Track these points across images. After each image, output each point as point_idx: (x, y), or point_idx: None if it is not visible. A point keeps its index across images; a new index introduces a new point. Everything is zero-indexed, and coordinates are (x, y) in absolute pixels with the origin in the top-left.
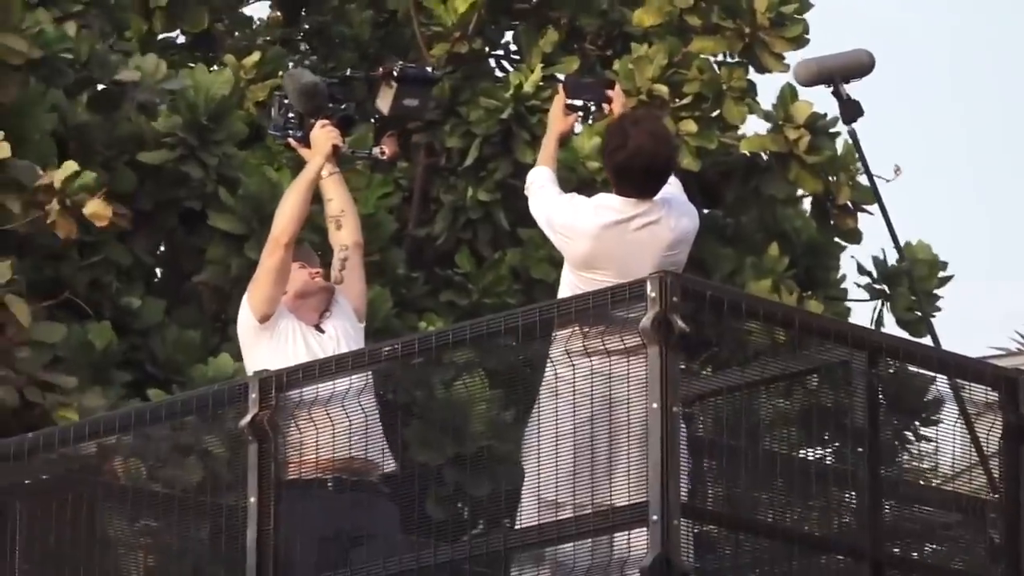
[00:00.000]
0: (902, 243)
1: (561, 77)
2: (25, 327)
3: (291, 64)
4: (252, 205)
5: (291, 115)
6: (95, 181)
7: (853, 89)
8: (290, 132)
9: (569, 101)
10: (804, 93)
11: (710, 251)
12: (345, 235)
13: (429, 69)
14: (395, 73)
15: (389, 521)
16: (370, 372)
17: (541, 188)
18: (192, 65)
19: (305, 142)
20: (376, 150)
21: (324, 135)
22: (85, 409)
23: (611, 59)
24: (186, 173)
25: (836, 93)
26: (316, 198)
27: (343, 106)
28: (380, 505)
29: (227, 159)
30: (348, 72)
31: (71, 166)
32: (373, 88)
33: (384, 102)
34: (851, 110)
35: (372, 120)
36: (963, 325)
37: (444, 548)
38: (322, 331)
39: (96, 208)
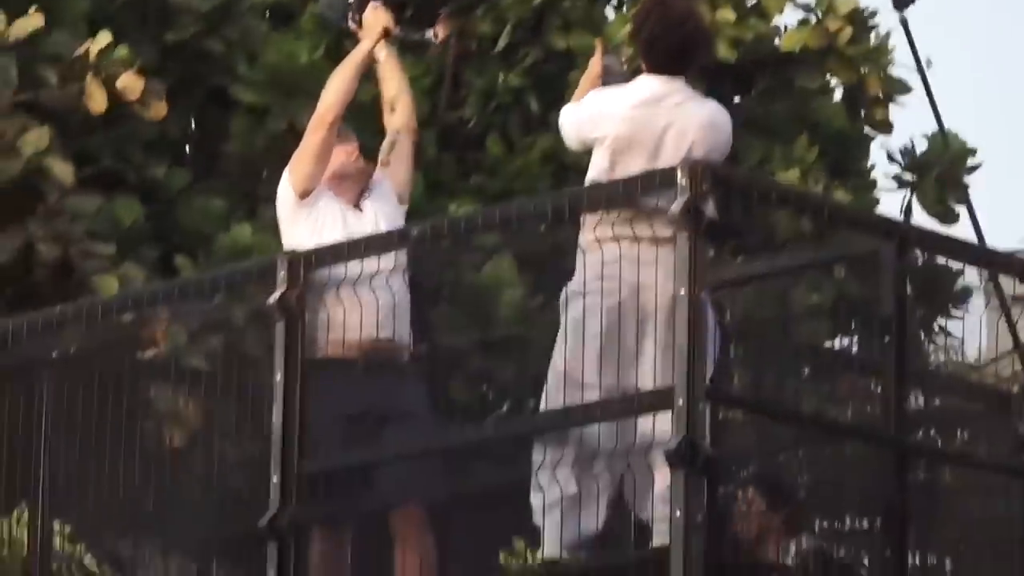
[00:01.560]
0: (931, 133)
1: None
2: (68, 186)
3: None
4: (272, 77)
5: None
6: (129, 54)
7: None
8: (348, 16)
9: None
10: None
11: (740, 140)
12: (397, 119)
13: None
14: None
15: (416, 401)
16: (400, 254)
17: (565, 109)
18: None
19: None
20: (430, 32)
21: (375, 17)
22: (124, 278)
23: None
24: (207, 48)
25: None
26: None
27: None
28: (408, 385)
29: (249, 33)
30: None
31: (105, 38)
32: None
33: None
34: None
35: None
36: (996, 217)
37: (469, 428)
38: (361, 211)
39: (129, 81)
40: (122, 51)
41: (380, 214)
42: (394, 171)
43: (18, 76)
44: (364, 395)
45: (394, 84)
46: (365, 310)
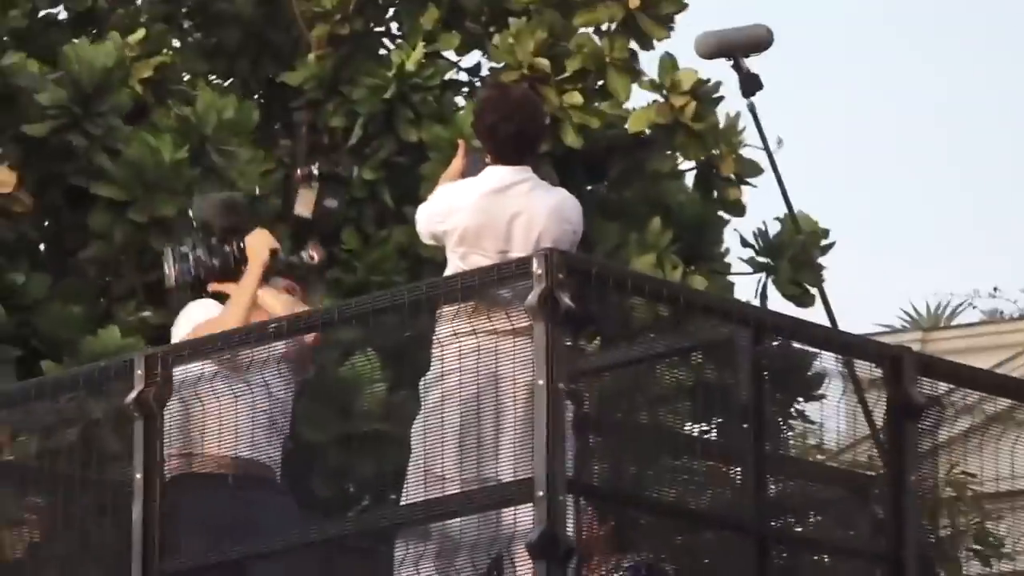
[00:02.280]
0: (784, 215)
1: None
2: None
3: (175, 42)
4: (134, 171)
5: (192, 253)
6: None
7: (752, 63)
8: (202, 270)
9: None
10: (687, 62)
11: (594, 226)
12: None
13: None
14: (315, 172)
15: (283, 516)
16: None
17: (420, 207)
18: (76, 40)
19: (222, 273)
20: (304, 255)
21: (261, 240)
22: None
23: (492, 35)
24: (71, 145)
25: (737, 66)
26: None
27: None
28: (277, 498)
29: (112, 131)
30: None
31: None
32: (289, 195)
33: (305, 206)
34: (751, 83)
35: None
36: (850, 301)
37: (330, 525)
38: None
39: (2, 175)
40: None
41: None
42: None
43: None
44: (233, 509)
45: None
46: (237, 425)
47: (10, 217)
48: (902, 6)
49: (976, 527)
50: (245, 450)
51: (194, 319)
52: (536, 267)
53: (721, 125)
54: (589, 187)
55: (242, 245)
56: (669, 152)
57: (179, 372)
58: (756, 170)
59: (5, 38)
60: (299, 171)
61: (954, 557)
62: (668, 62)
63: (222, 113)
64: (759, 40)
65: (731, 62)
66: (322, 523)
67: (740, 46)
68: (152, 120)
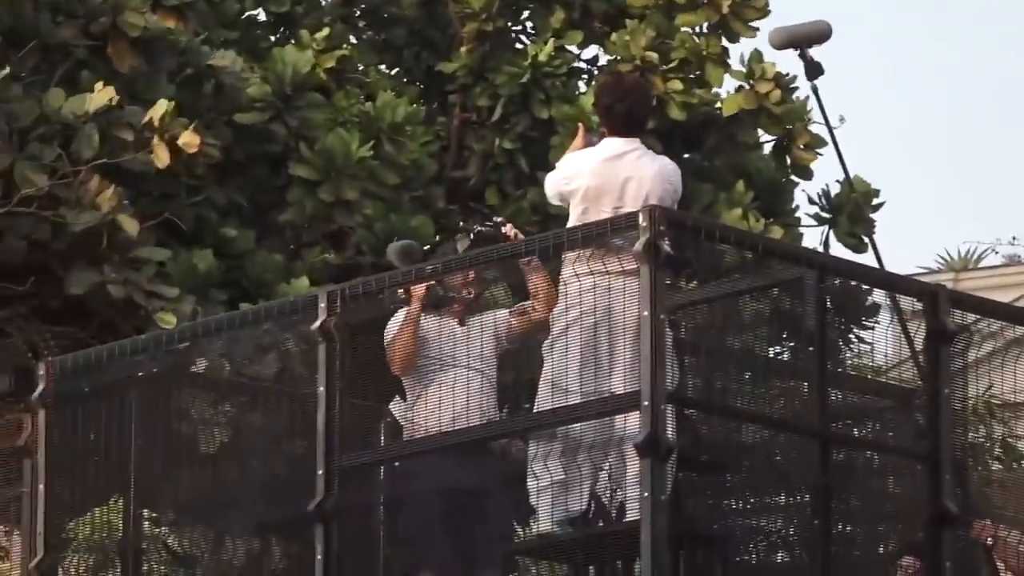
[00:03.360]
0: (843, 179)
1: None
2: (134, 239)
3: (352, 38)
4: (325, 157)
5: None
6: (186, 125)
7: (815, 52)
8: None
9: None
10: (768, 56)
11: (690, 188)
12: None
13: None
14: (472, 235)
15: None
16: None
17: (548, 175)
18: (273, 38)
19: None
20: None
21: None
22: (181, 313)
23: (609, 33)
24: (272, 131)
25: (802, 55)
26: None
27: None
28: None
29: (307, 122)
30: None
31: (164, 104)
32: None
33: (461, 246)
34: (814, 70)
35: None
36: (895, 248)
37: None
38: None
39: (188, 138)
40: (180, 120)
41: (484, 325)
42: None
43: (99, 141)
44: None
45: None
46: (446, 400)
47: (195, 175)
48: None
49: (1001, 436)
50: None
51: (394, 320)
52: (642, 220)
53: (794, 106)
54: (687, 156)
55: None
56: (753, 128)
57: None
58: (821, 142)
59: (217, 38)
60: (464, 227)
61: (982, 459)
62: (755, 56)
63: (396, 111)
64: (820, 33)
65: (797, 52)
66: (469, 426)
67: (804, 38)
68: (334, 103)
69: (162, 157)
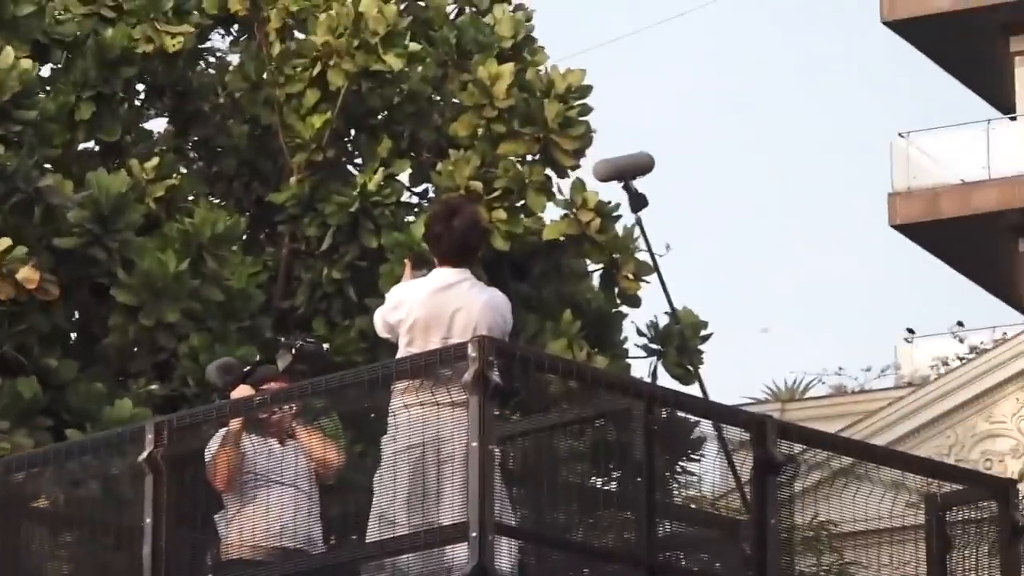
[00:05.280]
0: (670, 311)
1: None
2: None
3: (182, 168)
4: (145, 280)
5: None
6: (24, 253)
7: (639, 184)
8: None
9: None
10: (591, 185)
11: (517, 318)
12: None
13: (324, 347)
14: (293, 350)
15: None
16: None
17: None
18: (103, 168)
19: None
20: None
21: (241, 393)
22: (16, 445)
23: (435, 162)
24: (94, 255)
25: (626, 187)
26: None
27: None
28: None
29: (126, 245)
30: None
31: (6, 241)
32: (278, 349)
33: (282, 362)
34: (639, 201)
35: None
36: (723, 378)
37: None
38: (283, 445)
39: (27, 273)
40: (19, 251)
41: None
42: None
43: None
44: None
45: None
46: (268, 516)
47: (36, 305)
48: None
49: (831, 563)
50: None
51: (215, 437)
52: (471, 351)
53: (621, 234)
54: (515, 284)
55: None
56: (578, 257)
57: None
58: (649, 270)
59: (46, 164)
60: (283, 339)
61: None
62: (578, 185)
63: (215, 225)
64: (644, 165)
65: (621, 184)
66: (296, 557)
67: (628, 170)
68: (163, 231)
69: (2, 291)
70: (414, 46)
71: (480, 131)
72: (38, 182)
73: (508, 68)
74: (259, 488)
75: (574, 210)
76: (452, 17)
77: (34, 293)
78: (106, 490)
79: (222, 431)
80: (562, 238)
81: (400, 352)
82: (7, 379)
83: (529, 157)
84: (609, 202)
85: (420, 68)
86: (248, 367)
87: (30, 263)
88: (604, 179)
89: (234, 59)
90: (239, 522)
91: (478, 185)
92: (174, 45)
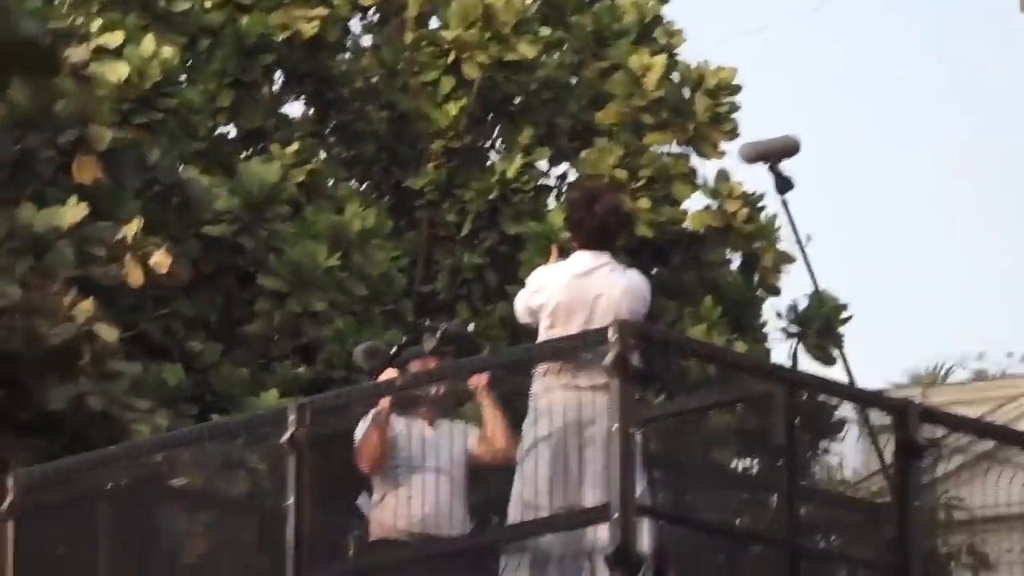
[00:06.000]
0: (811, 292)
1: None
2: (111, 344)
3: (322, 153)
4: (293, 269)
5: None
6: (159, 239)
7: (785, 166)
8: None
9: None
10: (736, 175)
11: (657, 304)
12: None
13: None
14: (439, 333)
15: None
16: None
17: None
18: (244, 154)
19: None
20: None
21: (386, 376)
22: (155, 425)
23: (579, 150)
24: (241, 243)
25: (772, 169)
26: None
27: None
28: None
29: (275, 234)
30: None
31: (138, 223)
32: (422, 332)
33: (428, 344)
34: (784, 184)
35: None
36: (865, 362)
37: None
38: (434, 427)
39: (159, 258)
40: (152, 238)
41: (454, 430)
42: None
43: (74, 256)
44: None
45: (489, 422)
46: (415, 501)
47: (165, 289)
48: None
49: (968, 546)
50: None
51: (364, 419)
52: (611, 335)
53: (763, 222)
54: (654, 271)
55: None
56: (721, 246)
57: None
58: (788, 259)
59: (187, 151)
60: (427, 322)
61: (949, 570)
62: (722, 175)
63: (364, 221)
64: (789, 147)
65: (767, 166)
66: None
67: (774, 153)
68: (308, 219)
69: (135, 276)
70: (547, 32)
71: (625, 119)
72: (180, 175)
73: (660, 60)
74: (407, 472)
75: (720, 200)
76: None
77: (166, 279)
78: (248, 472)
79: (371, 412)
80: (703, 229)
81: (541, 336)
82: (152, 364)
83: (675, 148)
84: (754, 192)
85: (556, 55)
86: (394, 350)
87: (163, 248)
88: (751, 161)
89: (366, 41)
90: (384, 505)
91: (623, 174)
92: (310, 30)
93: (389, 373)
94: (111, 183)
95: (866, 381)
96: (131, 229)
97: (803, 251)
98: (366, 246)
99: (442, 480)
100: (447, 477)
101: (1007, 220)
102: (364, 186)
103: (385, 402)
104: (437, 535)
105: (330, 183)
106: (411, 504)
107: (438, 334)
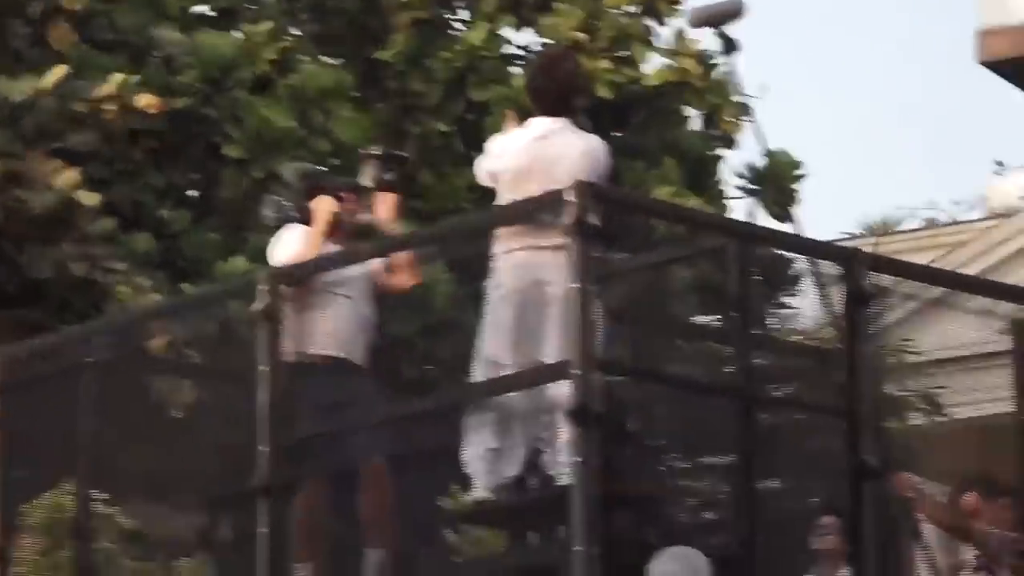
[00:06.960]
0: (767, 151)
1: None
2: (93, 208)
3: (294, 31)
4: (253, 135)
5: (284, 207)
6: (136, 83)
7: (730, 29)
8: (287, 211)
9: None
10: (690, 37)
11: (619, 166)
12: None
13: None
14: (376, 152)
15: (370, 390)
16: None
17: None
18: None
19: (302, 221)
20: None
21: (323, 204)
22: (137, 286)
23: (537, 15)
24: (206, 114)
25: (720, 33)
26: None
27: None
28: (365, 382)
29: (235, 103)
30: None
31: (120, 75)
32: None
33: (368, 178)
34: (730, 46)
35: None
36: (822, 215)
37: (412, 401)
38: None
39: (148, 100)
40: (132, 79)
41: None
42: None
43: (55, 117)
44: (332, 391)
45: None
46: (333, 325)
47: (133, 160)
48: None
49: (918, 389)
50: (336, 348)
51: (287, 243)
52: (569, 195)
53: (718, 80)
54: (616, 134)
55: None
56: (679, 103)
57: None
58: (746, 111)
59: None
60: (363, 151)
61: (899, 413)
62: (678, 35)
63: (322, 80)
64: (735, 11)
65: (715, 30)
66: (405, 400)
67: (720, 16)
68: (275, 91)
69: (130, 121)
70: None
71: None
72: (153, 33)
73: None
74: (324, 296)
75: (675, 58)
76: None
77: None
78: (223, 336)
79: (298, 230)
80: (663, 84)
81: (501, 200)
82: (123, 234)
83: (631, 8)
84: (707, 50)
85: None
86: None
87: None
88: (698, 25)
89: None
90: (303, 324)
91: (583, 36)
92: None
93: (323, 200)
94: (86, 49)
95: (822, 233)
96: (116, 79)
97: (750, 113)
98: (327, 105)
99: (352, 307)
100: (354, 304)
101: (958, 67)
102: (337, 64)
103: (321, 224)
104: (342, 358)
105: (304, 62)
106: (324, 324)
107: (379, 156)
